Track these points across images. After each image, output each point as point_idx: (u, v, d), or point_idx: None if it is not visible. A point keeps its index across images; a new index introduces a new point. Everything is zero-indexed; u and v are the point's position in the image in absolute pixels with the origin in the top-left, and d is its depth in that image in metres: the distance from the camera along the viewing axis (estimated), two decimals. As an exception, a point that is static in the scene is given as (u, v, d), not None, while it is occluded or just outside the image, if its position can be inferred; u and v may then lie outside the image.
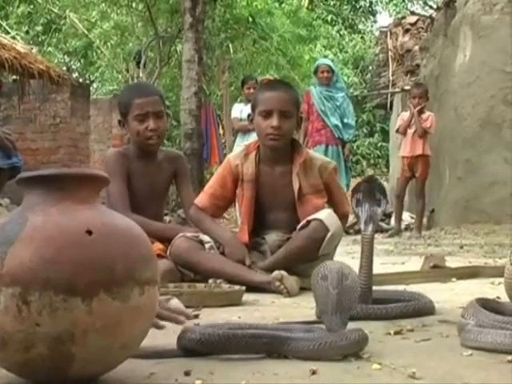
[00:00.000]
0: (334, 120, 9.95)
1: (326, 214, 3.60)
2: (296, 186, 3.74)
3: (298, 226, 3.64)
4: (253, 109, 3.79)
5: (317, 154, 4.63)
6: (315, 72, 10.31)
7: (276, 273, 3.33)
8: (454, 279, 3.95)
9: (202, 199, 3.89)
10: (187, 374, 1.68)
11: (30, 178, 1.59)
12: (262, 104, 3.72)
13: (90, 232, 1.49)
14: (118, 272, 1.50)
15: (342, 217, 3.83)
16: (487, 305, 2.25)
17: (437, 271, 4.15)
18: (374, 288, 2.71)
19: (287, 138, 3.75)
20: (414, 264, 4.84)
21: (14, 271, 1.44)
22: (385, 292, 3.00)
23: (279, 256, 3.60)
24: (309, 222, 3.57)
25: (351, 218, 9.95)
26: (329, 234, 3.52)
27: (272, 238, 3.74)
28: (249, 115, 3.87)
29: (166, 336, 2.06)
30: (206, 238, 3.73)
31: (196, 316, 2.63)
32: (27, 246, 1.46)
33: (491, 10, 10.89)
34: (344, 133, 10.01)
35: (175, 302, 2.71)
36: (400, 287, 3.59)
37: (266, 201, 3.81)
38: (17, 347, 1.47)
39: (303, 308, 2.91)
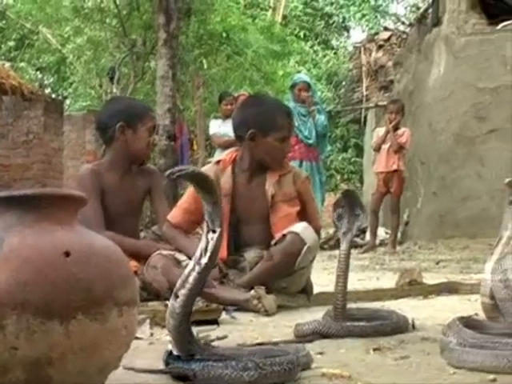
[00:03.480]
0: (308, 134, 9.79)
1: (302, 227, 3.57)
2: (270, 194, 3.72)
3: (273, 241, 3.60)
4: (263, 129, 3.73)
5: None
6: (291, 87, 10.07)
7: (254, 291, 3.30)
8: (432, 295, 3.95)
9: (175, 214, 3.85)
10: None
11: (6, 198, 1.56)
12: (281, 130, 3.75)
13: (67, 253, 1.46)
14: (96, 293, 1.48)
15: (314, 231, 3.78)
16: (468, 323, 2.24)
17: (415, 288, 4.13)
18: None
19: None
20: (389, 279, 4.84)
21: (-10, 294, 1.41)
22: (362, 309, 3.00)
23: (256, 272, 3.56)
24: (284, 235, 3.54)
25: (324, 234, 9.93)
26: (305, 247, 3.49)
27: (250, 254, 3.70)
28: (251, 133, 3.74)
29: (143, 355, 2.03)
30: (181, 256, 3.69)
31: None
32: (3, 268, 1.43)
33: (464, 31, 11.05)
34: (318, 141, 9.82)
35: (147, 323, 2.70)
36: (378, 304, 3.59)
37: (241, 214, 3.77)
38: (-8, 371, 1.44)
39: (282, 327, 2.87)
